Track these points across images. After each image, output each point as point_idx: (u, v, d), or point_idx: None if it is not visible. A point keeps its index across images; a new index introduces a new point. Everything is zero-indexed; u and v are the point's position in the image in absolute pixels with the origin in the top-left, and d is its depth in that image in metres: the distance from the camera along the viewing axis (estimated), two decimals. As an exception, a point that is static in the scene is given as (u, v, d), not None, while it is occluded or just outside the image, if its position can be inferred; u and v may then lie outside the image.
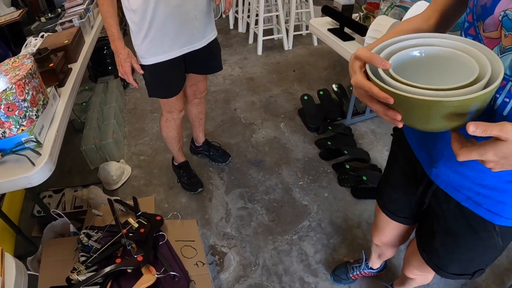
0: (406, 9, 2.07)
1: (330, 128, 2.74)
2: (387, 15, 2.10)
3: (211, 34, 1.90)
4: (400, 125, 0.64)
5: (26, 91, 1.43)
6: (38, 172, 1.40)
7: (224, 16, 5.10)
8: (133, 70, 1.82)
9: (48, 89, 1.68)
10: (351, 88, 3.04)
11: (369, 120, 2.99)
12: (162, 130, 2.19)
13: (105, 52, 3.41)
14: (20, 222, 2.30)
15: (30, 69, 1.45)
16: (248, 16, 4.52)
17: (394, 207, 1.26)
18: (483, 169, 0.77)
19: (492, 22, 0.67)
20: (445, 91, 0.55)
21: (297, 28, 4.43)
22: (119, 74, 1.82)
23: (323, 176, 2.48)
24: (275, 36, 4.34)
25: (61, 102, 1.75)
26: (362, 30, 2.07)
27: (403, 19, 1.70)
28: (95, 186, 2.35)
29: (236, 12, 4.79)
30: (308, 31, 4.43)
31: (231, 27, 4.86)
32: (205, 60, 1.96)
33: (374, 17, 2.25)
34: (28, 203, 2.43)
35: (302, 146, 2.74)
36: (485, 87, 0.54)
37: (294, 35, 4.26)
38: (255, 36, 4.25)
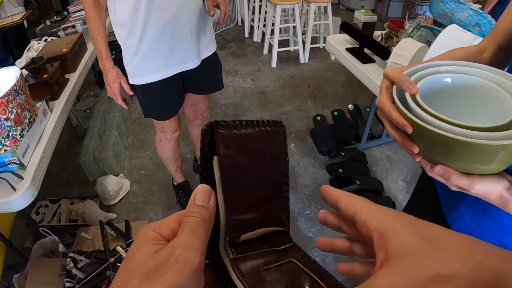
0: (433, 30, 1.90)
1: (342, 154, 2.57)
2: (412, 37, 1.92)
3: (207, 50, 1.74)
4: (418, 159, 0.57)
5: (10, 109, 1.30)
6: (19, 197, 1.30)
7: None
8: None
9: (39, 104, 1.55)
10: (368, 109, 2.88)
11: (385, 145, 2.82)
12: (157, 149, 2.05)
13: (113, 57, 3.29)
14: (14, 230, 2.18)
15: (15, 85, 1.32)
16: (264, 25, 4.37)
17: None
18: (508, 223, 0.72)
19: None
20: (473, 130, 0.48)
21: (314, 40, 4.27)
22: (108, 94, 1.69)
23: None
24: (291, 48, 4.19)
25: (52, 118, 1.62)
26: (384, 53, 1.90)
27: (433, 44, 1.53)
28: (91, 201, 2.25)
29: (252, 20, 4.66)
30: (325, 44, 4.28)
31: (246, 35, 4.73)
32: (203, 78, 1.79)
33: (397, 37, 2.08)
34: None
35: (311, 171, 2.58)
36: None
37: (310, 48, 4.10)
38: (270, 46, 4.10)
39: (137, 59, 1.55)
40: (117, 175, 2.50)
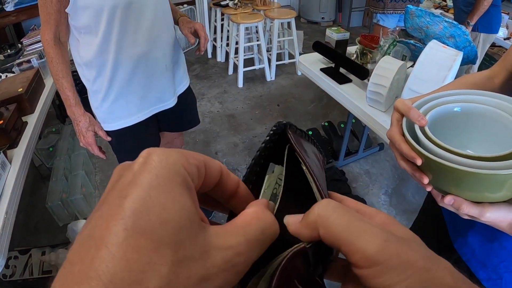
0: (407, 44, 1.86)
1: (323, 175, 2.50)
2: (389, 53, 1.88)
3: (182, 84, 1.61)
4: (428, 189, 0.58)
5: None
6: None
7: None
8: None
9: (-4, 156, 1.39)
10: (342, 125, 2.84)
11: (362, 159, 2.78)
12: None
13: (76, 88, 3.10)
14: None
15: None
16: (227, 45, 4.28)
17: None
18: None
19: None
20: (480, 160, 0.49)
21: (279, 56, 4.22)
22: (81, 145, 1.49)
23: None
24: (256, 67, 4.12)
25: (12, 170, 1.45)
26: (362, 73, 1.83)
27: (417, 63, 1.48)
28: (64, 250, 2.08)
29: (214, 39, 4.56)
30: (291, 60, 4.23)
31: (209, 55, 4.63)
32: (179, 116, 1.65)
33: (371, 53, 2.03)
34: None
35: (293, 195, 2.49)
36: None
37: (276, 65, 4.05)
38: (235, 66, 4.01)
39: (108, 103, 1.38)
40: (88, 219, 2.33)
